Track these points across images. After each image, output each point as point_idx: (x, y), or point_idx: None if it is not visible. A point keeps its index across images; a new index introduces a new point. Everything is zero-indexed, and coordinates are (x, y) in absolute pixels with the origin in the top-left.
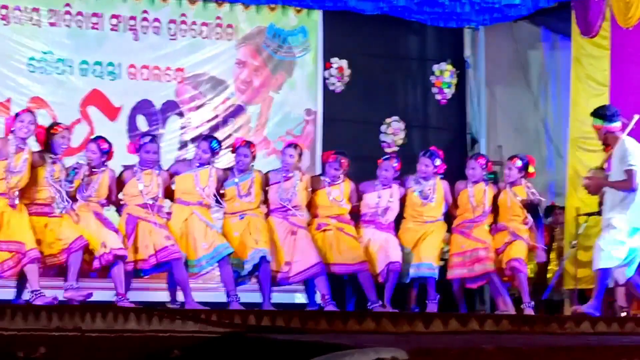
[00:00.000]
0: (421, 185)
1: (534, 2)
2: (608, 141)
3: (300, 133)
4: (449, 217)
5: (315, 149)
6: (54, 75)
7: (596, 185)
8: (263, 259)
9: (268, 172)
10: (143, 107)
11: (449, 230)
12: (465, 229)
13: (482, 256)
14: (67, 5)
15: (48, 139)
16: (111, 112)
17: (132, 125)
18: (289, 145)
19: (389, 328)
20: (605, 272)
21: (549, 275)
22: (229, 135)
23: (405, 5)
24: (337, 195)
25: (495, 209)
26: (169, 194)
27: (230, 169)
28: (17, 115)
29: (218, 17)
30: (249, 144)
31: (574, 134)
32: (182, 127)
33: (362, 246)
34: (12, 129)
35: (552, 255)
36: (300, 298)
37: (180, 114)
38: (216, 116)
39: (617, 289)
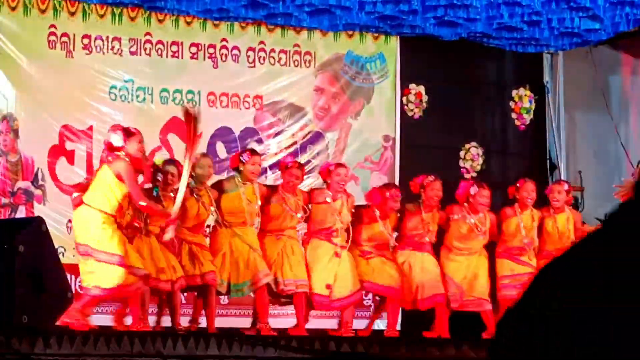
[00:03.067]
0: (470, 215)
1: (614, 26)
2: None
3: (379, 159)
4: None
5: (394, 175)
6: (135, 103)
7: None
8: None
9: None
10: (222, 134)
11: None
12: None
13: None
14: (148, 34)
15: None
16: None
17: (211, 152)
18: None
19: (470, 355)
20: None
21: None
22: (308, 162)
23: (483, 30)
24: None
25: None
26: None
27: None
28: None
29: (296, 44)
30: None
31: None
32: (261, 154)
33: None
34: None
35: None
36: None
37: (259, 141)
38: (294, 143)
39: None
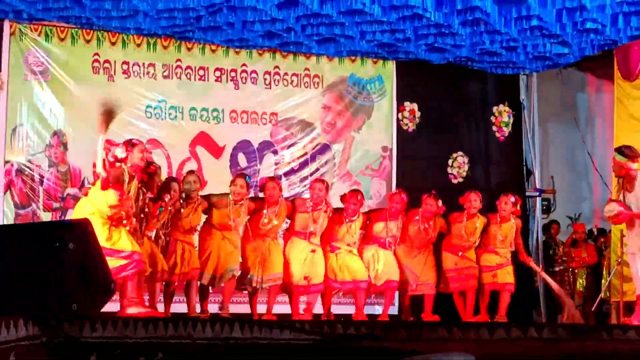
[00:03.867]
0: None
1: (580, 50)
2: (626, 178)
3: (378, 167)
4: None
5: (391, 180)
6: (167, 120)
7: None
8: None
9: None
10: (243, 146)
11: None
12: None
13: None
14: (178, 60)
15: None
16: (216, 151)
17: (233, 162)
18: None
19: (459, 336)
20: None
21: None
22: (317, 170)
23: (467, 55)
24: (354, 229)
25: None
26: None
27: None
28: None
29: (306, 68)
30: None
31: None
32: (276, 163)
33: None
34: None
35: (604, 272)
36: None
37: (275, 152)
38: (305, 153)
39: None
